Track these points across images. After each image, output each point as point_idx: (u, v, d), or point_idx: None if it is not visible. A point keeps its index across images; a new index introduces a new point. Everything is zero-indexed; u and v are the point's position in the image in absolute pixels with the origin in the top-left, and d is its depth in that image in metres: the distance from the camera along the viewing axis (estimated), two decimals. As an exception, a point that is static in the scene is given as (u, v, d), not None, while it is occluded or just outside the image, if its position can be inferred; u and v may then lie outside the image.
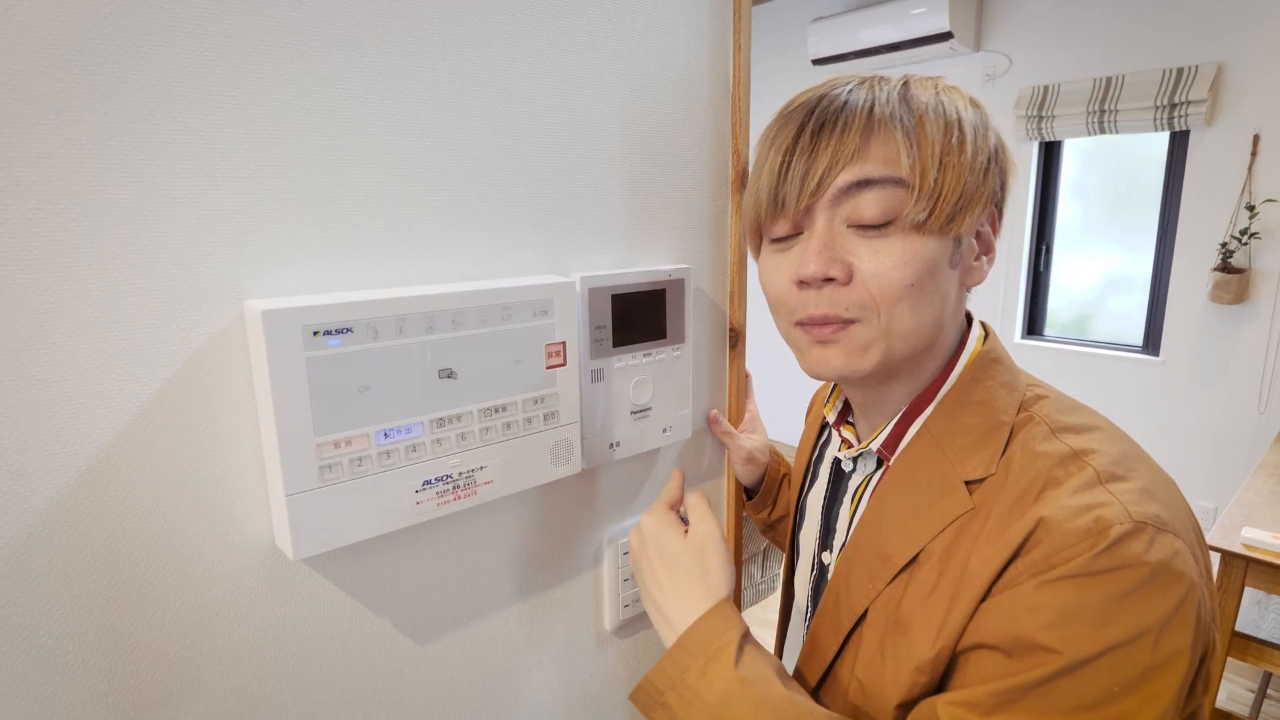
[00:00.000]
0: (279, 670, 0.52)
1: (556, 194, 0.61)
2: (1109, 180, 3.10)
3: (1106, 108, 2.81)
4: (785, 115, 0.53)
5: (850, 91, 0.51)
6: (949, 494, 0.50)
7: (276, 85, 0.45)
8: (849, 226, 0.50)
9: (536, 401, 0.58)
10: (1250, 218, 2.59)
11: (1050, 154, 3.15)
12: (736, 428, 0.80)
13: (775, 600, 2.84)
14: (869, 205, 0.49)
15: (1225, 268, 2.66)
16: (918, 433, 0.55)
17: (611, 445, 0.67)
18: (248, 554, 0.49)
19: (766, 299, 0.57)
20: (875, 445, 0.57)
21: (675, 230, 0.71)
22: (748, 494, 0.85)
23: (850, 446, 0.61)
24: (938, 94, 0.51)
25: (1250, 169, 2.60)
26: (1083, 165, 3.14)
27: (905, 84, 0.52)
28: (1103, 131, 2.86)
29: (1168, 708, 0.41)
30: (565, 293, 0.58)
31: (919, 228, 0.49)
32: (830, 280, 0.50)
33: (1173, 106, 2.66)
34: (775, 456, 0.84)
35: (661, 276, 0.67)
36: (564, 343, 0.59)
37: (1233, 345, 2.74)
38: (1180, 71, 2.64)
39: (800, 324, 0.53)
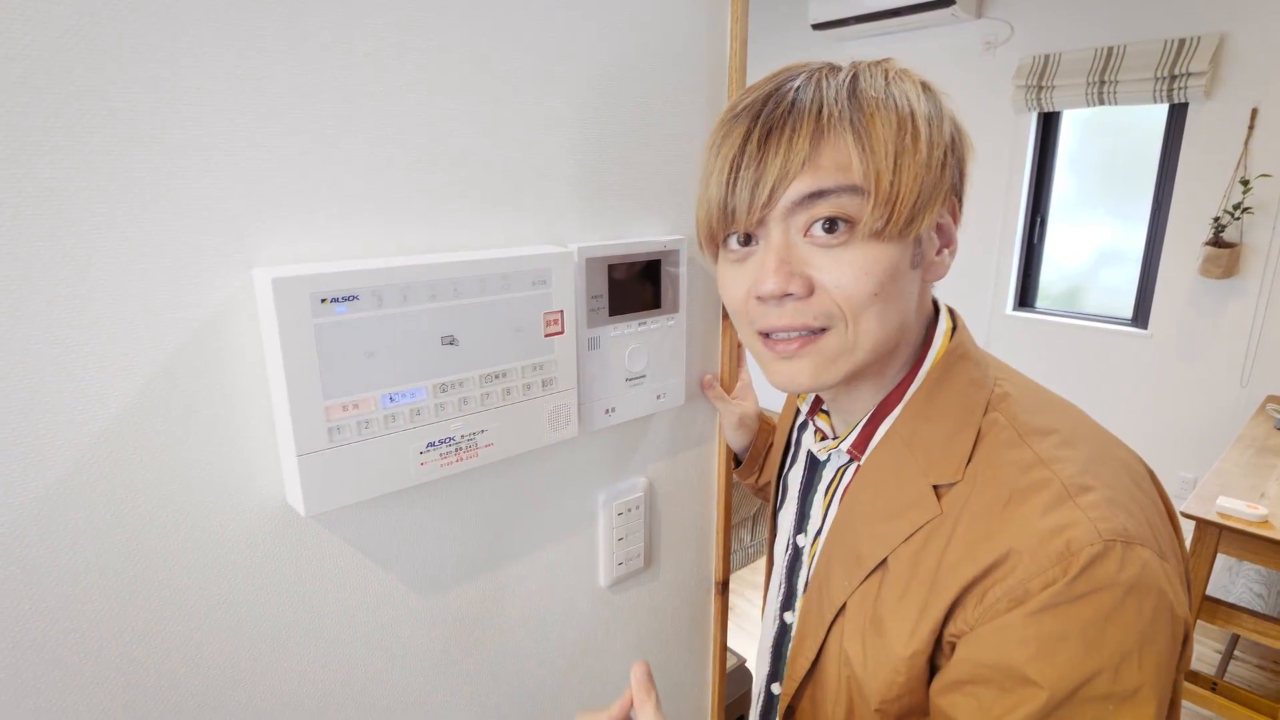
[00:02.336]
0: (290, 619, 0.55)
1: (556, 166, 0.62)
2: (1105, 152, 3.09)
3: (1107, 78, 2.79)
4: (731, 118, 0.51)
5: (798, 89, 0.49)
6: (918, 500, 0.51)
7: (285, 57, 0.46)
8: (805, 236, 0.49)
9: (535, 368, 0.60)
10: (1244, 192, 2.60)
11: (1048, 125, 3.14)
12: (730, 394, 0.83)
13: (764, 563, 2.91)
14: (823, 211, 0.47)
15: (1216, 242, 2.67)
16: (886, 434, 0.55)
17: (607, 411, 0.69)
18: (260, 510, 0.51)
19: (727, 308, 0.56)
20: (845, 445, 0.57)
21: (671, 202, 0.72)
22: (736, 460, 0.88)
23: (824, 438, 0.62)
24: (888, 84, 0.48)
25: (1246, 143, 2.60)
26: (1080, 137, 3.13)
27: (854, 76, 0.49)
28: (1102, 103, 2.84)
29: (1157, 713, 0.43)
30: (563, 263, 0.60)
31: (877, 235, 0.47)
32: (789, 295, 0.49)
33: (1173, 78, 2.64)
34: (765, 423, 0.86)
35: (657, 248, 0.69)
36: (561, 311, 0.60)
37: (1219, 319, 2.78)
38: (1182, 42, 2.62)
39: (762, 334, 0.52)
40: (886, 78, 0.49)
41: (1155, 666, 0.43)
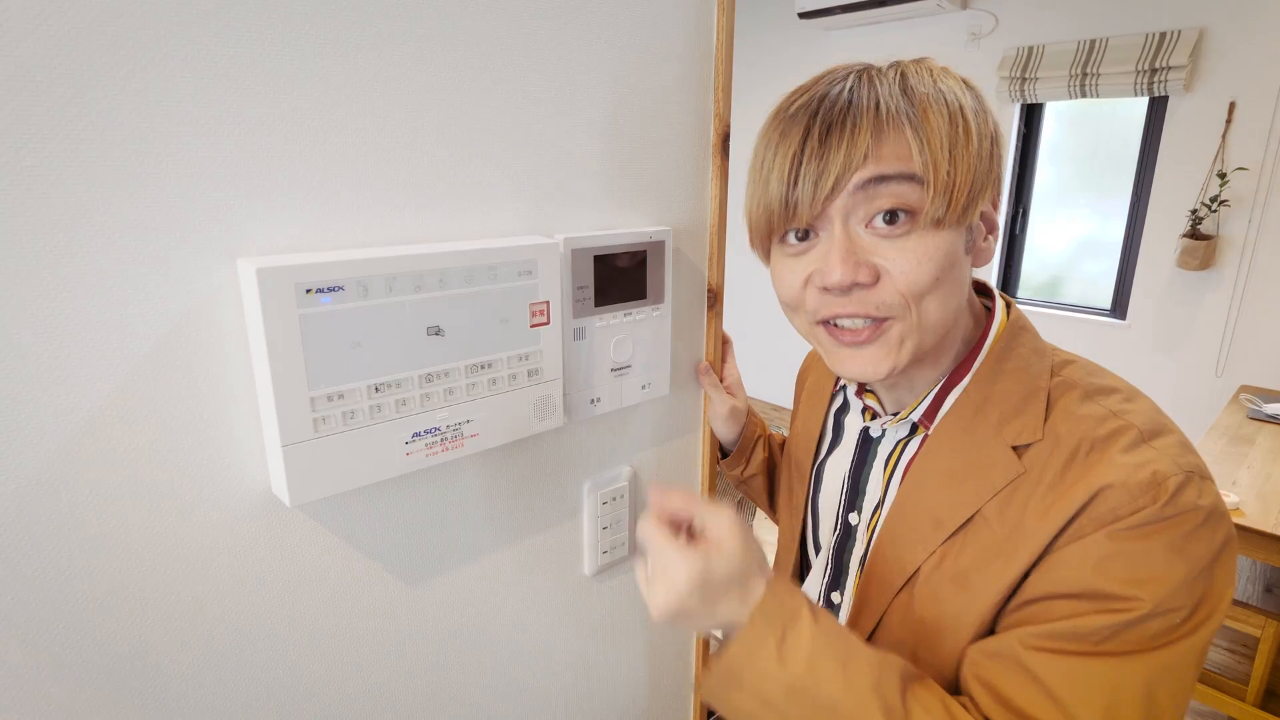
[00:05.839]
0: (276, 609, 0.55)
1: (542, 157, 0.62)
2: (1086, 145, 3.12)
3: (1089, 71, 2.81)
4: (786, 118, 0.52)
5: (850, 89, 0.51)
6: (998, 459, 0.53)
7: (269, 46, 0.45)
8: (867, 228, 0.51)
9: (521, 359, 0.60)
10: (1221, 185, 2.64)
11: (1031, 117, 3.16)
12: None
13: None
14: (885, 202, 0.50)
15: (1194, 234, 2.72)
16: (957, 401, 0.57)
17: (592, 401, 0.70)
18: (246, 501, 0.51)
19: (780, 301, 0.57)
20: (914, 416, 0.59)
21: (657, 193, 0.72)
22: (722, 452, 0.89)
23: (875, 416, 0.64)
24: (935, 82, 0.51)
25: (1224, 136, 2.64)
26: (1061, 129, 3.16)
27: (903, 75, 0.52)
28: (1084, 95, 2.87)
29: (1213, 633, 0.47)
30: (549, 253, 0.60)
31: (938, 224, 0.50)
32: (857, 284, 0.51)
33: (1153, 71, 2.67)
34: (753, 417, 0.87)
35: (643, 238, 0.69)
36: (547, 302, 0.61)
37: (1195, 310, 2.83)
38: (1163, 36, 2.65)
39: (824, 323, 0.54)
40: (933, 75, 0.52)
41: (1222, 585, 0.47)
